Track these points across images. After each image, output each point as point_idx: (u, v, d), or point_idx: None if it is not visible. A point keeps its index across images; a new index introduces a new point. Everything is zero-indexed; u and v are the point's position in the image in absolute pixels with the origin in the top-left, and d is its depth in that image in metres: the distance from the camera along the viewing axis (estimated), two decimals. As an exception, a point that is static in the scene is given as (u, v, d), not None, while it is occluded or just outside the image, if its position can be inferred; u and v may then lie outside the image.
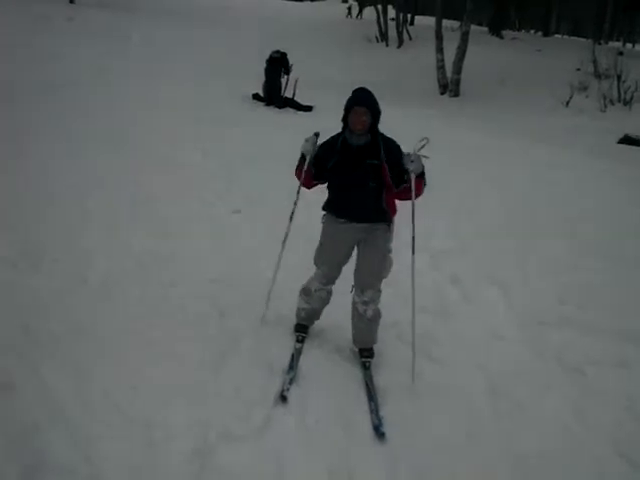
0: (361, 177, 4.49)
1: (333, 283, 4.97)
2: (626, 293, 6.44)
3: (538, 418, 4.44)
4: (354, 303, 4.86)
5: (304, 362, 4.77)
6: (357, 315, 4.85)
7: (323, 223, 4.85)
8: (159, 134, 10.96)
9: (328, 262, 4.88)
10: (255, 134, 12.13)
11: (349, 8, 42.98)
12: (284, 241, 4.95)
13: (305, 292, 5.00)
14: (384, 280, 4.83)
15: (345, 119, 4.51)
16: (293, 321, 5.17)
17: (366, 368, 4.80)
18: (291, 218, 4.90)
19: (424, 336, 5.25)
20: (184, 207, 7.74)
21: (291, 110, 15.34)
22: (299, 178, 4.77)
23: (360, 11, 42.42)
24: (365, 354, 4.90)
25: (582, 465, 4.04)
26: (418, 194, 4.51)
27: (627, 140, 15.12)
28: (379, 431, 4.13)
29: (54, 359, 4.36)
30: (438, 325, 5.55)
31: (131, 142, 10.16)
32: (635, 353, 5.28)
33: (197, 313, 5.26)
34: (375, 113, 4.47)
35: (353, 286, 4.85)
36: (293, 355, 4.79)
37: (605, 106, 18.14)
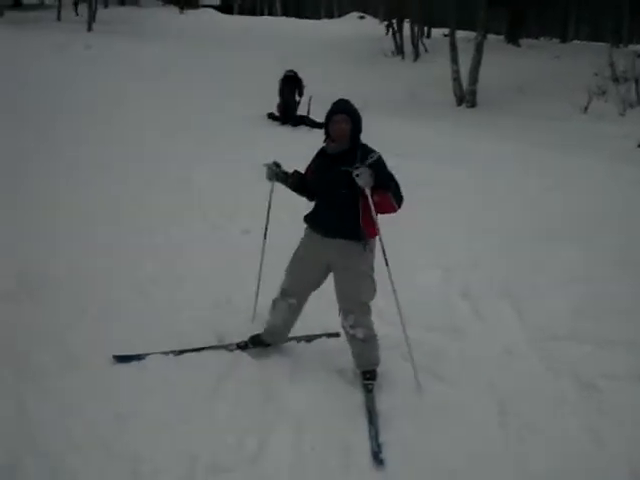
0: (333, 183, 4.44)
1: (295, 299, 4.79)
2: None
3: (550, 438, 4.24)
4: (343, 327, 4.74)
5: (302, 385, 4.63)
6: (349, 338, 4.73)
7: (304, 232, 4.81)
8: (173, 157, 10.91)
9: (294, 274, 4.78)
10: (269, 153, 11.99)
11: (388, 25, 42.20)
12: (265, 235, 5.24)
13: (272, 302, 4.93)
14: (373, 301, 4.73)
15: (327, 129, 4.52)
16: (292, 348, 5.10)
17: (368, 391, 4.64)
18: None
19: (432, 354, 5.13)
20: (193, 229, 7.68)
21: (305, 127, 15.26)
22: None
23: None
24: (367, 376, 4.73)
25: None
26: (385, 209, 4.43)
27: (648, 143, 14.87)
28: (378, 458, 3.96)
29: (42, 393, 4.28)
30: (447, 343, 5.38)
31: (145, 166, 10.12)
32: (653, 365, 5.09)
33: (196, 340, 5.11)
34: (355, 120, 4.46)
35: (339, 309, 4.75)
36: None
37: (624, 110, 17.87)
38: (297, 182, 4.80)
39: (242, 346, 5.04)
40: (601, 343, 5.43)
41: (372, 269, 4.63)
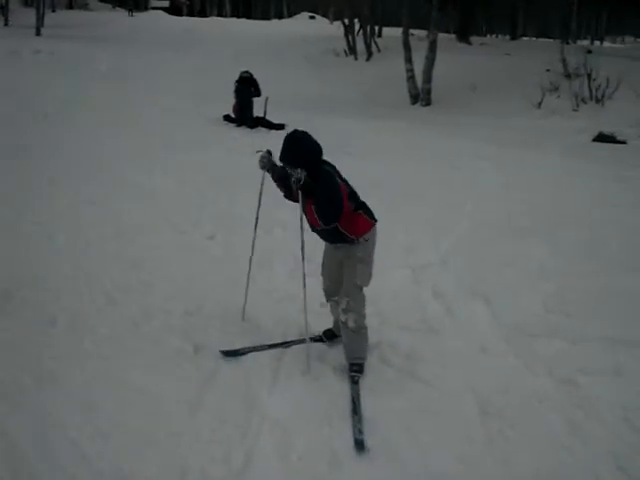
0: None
1: (336, 297, 4.99)
2: (614, 297, 6.26)
3: (532, 436, 4.23)
4: (338, 315, 4.89)
5: (283, 391, 4.57)
6: (342, 327, 4.83)
7: None
8: (128, 161, 10.73)
9: (325, 276, 5.14)
10: (228, 156, 11.86)
11: (344, 25, 41.89)
12: (255, 226, 5.35)
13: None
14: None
15: None
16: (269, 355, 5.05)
17: (354, 382, 4.67)
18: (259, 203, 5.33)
19: (409, 355, 5.11)
20: (156, 236, 7.51)
21: (263, 129, 15.12)
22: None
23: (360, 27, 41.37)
24: (354, 369, 4.78)
25: (581, 482, 3.86)
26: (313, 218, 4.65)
27: (601, 138, 15.11)
28: (360, 444, 4.00)
29: (20, 411, 4.14)
30: (422, 343, 5.34)
31: (99, 170, 9.93)
32: (628, 360, 5.10)
33: (171, 349, 4.99)
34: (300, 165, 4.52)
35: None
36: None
37: (577, 105, 18.09)
38: (284, 176, 4.80)
39: (317, 339, 5.28)
40: (575, 339, 5.45)
41: (369, 256, 4.84)
